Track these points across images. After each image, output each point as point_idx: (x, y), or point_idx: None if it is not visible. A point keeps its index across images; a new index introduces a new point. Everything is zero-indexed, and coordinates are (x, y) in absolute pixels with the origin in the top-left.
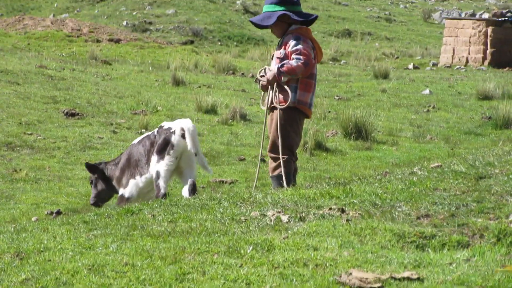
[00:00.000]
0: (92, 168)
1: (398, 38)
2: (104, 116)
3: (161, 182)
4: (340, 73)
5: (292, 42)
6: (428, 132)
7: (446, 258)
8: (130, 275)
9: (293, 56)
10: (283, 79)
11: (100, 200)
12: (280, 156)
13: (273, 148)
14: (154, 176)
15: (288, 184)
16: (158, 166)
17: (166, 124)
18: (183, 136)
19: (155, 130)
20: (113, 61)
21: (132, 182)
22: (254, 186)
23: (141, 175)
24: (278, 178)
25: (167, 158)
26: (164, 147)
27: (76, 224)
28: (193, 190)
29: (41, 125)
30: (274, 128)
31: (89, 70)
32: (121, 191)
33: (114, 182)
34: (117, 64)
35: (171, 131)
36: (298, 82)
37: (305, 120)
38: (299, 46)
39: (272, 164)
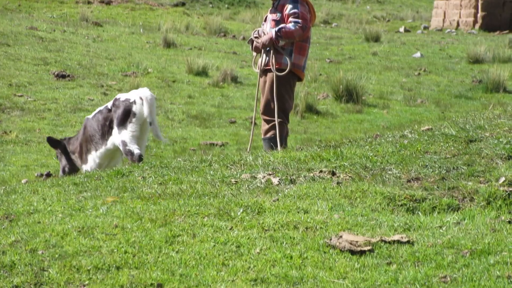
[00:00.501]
0: (54, 143)
1: (390, 1)
2: (95, 78)
3: (131, 147)
4: (331, 36)
5: (289, 5)
6: (419, 95)
7: (436, 222)
8: (120, 237)
9: (291, 19)
10: (280, 43)
11: (67, 174)
12: (276, 119)
13: (267, 111)
14: (120, 146)
15: (280, 147)
16: (122, 135)
17: (122, 96)
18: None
19: (110, 103)
20: (104, 22)
21: (90, 157)
22: (248, 149)
23: (96, 150)
24: (270, 140)
25: (129, 127)
26: (125, 118)
27: (66, 186)
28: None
29: (32, 86)
30: (268, 90)
31: (80, 31)
32: (83, 166)
33: (76, 157)
34: (108, 26)
35: (131, 101)
36: (293, 45)
37: (297, 83)
38: (297, 9)
39: (264, 126)
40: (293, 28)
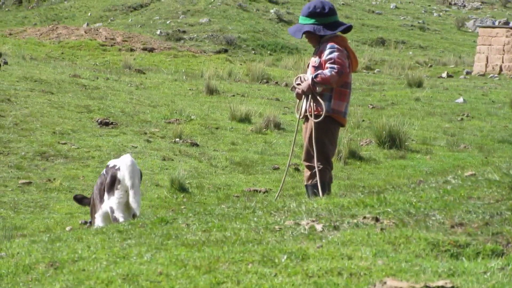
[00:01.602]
0: (79, 200)
1: (432, 46)
2: (138, 125)
3: (117, 214)
4: (374, 82)
5: (326, 51)
6: (461, 140)
7: (480, 267)
8: (165, 284)
9: (327, 65)
10: (317, 89)
11: None
12: (315, 165)
13: (307, 157)
14: (109, 212)
15: (323, 193)
16: (110, 202)
17: (111, 162)
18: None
19: (104, 170)
20: (147, 70)
21: (96, 217)
22: (277, 194)
23: (96, 212)
24: (313, 187)
25: (116, 193)
26: (112, 184)
27: (110, 233)
28: None
29: (75, 134)
30: (309, 137)
31: (123, 79)
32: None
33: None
34: (151, 73)
35: (116, 168)
36: (333, 91)
37: (340, 128)
38: (333, 55)
39: (307, 173)
40: (328, 74)
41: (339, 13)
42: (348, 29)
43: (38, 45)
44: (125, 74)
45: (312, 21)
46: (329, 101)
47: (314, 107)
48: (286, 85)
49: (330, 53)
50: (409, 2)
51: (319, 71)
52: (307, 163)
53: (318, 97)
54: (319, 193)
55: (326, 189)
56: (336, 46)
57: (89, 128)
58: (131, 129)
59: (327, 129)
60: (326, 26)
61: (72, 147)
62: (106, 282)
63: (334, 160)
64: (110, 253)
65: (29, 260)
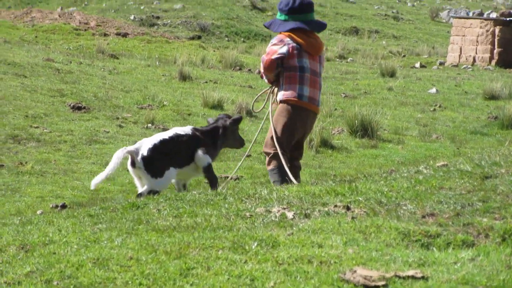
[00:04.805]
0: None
1: (406, 36)
2: (111, 110)
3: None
4: (347, 71)
5: None
6: (434, 131)
7: (451, 257)
8: (135, 269)
9: None
10: (264, 78)
11: None
12: (269, 150)
13: (265, 144)
14: None
15: (278, 180)
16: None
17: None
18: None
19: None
20: (120, 55)
21: None
22: (226, 182)
23: None
24: (270, 172)
25: None
26: None
27: (81, 217)
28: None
29: (48, 118)
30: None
31: (96, 63)
32: None
33: None
34: (124, 58)
35: None
36: (283, 77)
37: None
38: (267, 48)
39: (266, 160)
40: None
41: (314, 0)
42: (318, 28)
43: (12, 28)
44: (98, 59)
45: (285, 17)
46: (282, 87)
47: (274, 95)
48: (259, 72)
49: (269, 45)
50: None
51: None
52: (264, 150)
53: (274, 87)
54: (279, 177)
55: (278, 174)
56: (275, 39)
57: (61, 112)
58: (103, 114)
59: (281, 115)
60: (303, 23)
61: (45, 130)
62: (77, 265)
63: (306, 148)
64: (81, 237)
65: (0, 242)
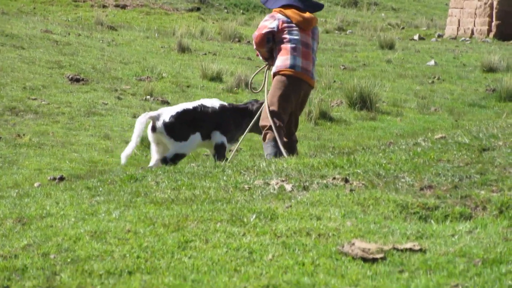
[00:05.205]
0: None
1: (404, 8)
2: (109, 82)
3: None
4: (345, 43)
5: None
6: (432, 103)
7: (448, 230)
8: (133, 242)
9: None
10: (259, 55)
11: None
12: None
13: (262, 118)
14: None
15: (269, 151)
16: None
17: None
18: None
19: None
20: (119, 27)
21: None
22: (232, 154)
23: None
24: (265, 145)
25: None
26: None
27: (79, 190)
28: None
29: (46, 90)
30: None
31: (94, 35)
32: None
33: None
34: (123, 30)
35: None
36: (276, 51)
37: (311, 90)
38: (260, 24)
39: (262, 133)
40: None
41: None
42: (313, 8)
43: (10, 0)
44: (97, 31)
45: None
46: (276, 60)
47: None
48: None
49: (261, 21)
50: None
51: None
52: (260, 124)
53: (269, 64)
54: (274, 150)
55: (272, 147)
56: (268, 15)
57: (59, 84)
58: (102, 86)
59: (277, 87)
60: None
61: (42, 102)
62: (74, 238)
63: (305, 120)
64: (79, 209)
65: None
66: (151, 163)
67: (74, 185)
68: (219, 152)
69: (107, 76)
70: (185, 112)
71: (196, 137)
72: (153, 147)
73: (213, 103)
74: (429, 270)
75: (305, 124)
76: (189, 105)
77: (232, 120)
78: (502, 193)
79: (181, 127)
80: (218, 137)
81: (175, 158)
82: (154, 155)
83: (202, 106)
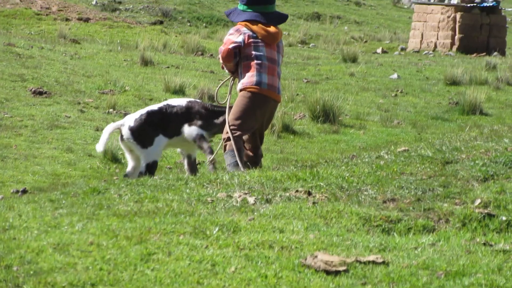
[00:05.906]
0: None
1: (367, 22)
2: (72, 95)
3: None
4: (308, 56)
5: None
6: (395, 116)
7: (411, 243)
8: (96, 254)
9: None
10: (225, 68)
11: None
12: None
13: (224, 131)
14: None
15: (229, 162)
16: None
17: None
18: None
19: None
20: (82, 40)
21: None
22: (208, 160)
23: None
24: (226, 155)
25: None
26: None
27: (42, 202)
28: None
29: (8, 103)
30: None
31: (57, 48)
32: None
33: None
34: (86, 43)
35: None
36: (240, 67)
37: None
38: (225, 38)
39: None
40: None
41: None
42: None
43: None
44: (60, 44)
45: (244, 7)
46: (241, 77)
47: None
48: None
49: (226, 35)
50: None
51: None
52: (222, 137)
53: (234, 76)
54: (229, 162)
55: (231, 157)
56: (232, 29)
57: (22, 97)
58: (65, 99)
59: (242, 102)
60: (261, 15)
61: (5, 115)
62: (37, 251)
63: (268, 133)
64: (42, 222)
65: None
66: (128, 169)
67: (37, 197)
68: (201, 146)
69: (70, 89)
70: (150, 113)
71: (160, 138)
72: (127, 155)
73: (180, 101)
74: (392, 282)
75: (268, 137)
76: (154, 106)
77: (204, 111)
78: (465, 205)
79: (145, 131)
80: (193, 129)
81: (149, 169)
82: (130, 162)
83: (168, 106)
